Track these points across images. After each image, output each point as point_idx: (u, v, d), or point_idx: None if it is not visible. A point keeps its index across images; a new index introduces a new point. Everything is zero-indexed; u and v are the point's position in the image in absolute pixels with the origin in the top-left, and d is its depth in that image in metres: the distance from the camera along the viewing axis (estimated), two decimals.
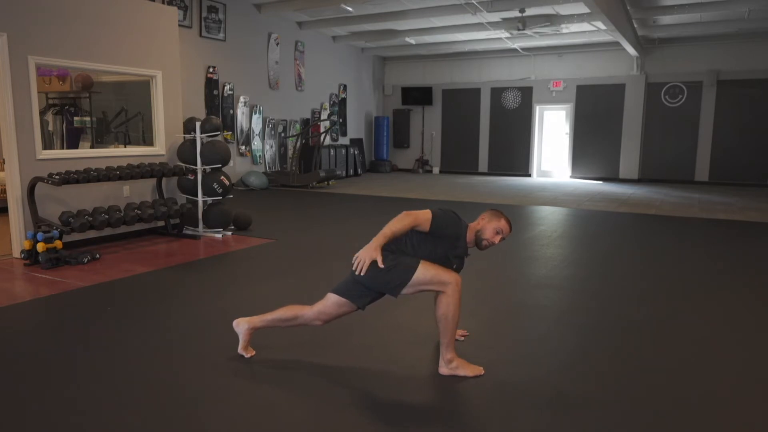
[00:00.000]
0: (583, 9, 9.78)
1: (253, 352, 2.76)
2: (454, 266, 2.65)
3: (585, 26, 11.22)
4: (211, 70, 10.20)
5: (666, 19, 10.80)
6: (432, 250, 2.58)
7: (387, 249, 2.54)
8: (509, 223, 2.70)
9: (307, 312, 2.68)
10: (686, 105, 12.62)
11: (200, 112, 9.90)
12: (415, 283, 2.49)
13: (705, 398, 2.43)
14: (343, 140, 14.33)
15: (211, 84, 10.23)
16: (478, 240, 2.65)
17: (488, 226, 2.65)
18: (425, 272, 2.49)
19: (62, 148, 6.34)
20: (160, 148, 6.02)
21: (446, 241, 2.60)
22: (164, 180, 6.00)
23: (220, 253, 5.22)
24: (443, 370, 2.60)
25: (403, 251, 2.57)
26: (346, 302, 2.63)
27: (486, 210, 2.74)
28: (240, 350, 2.75)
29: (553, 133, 14.16)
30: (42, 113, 5.75)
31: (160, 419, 2.19)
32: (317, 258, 5.04)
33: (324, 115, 13.45)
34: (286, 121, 12.24)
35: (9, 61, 4.65)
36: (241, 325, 2.75)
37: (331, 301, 2.65)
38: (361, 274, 2.46)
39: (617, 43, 11.90)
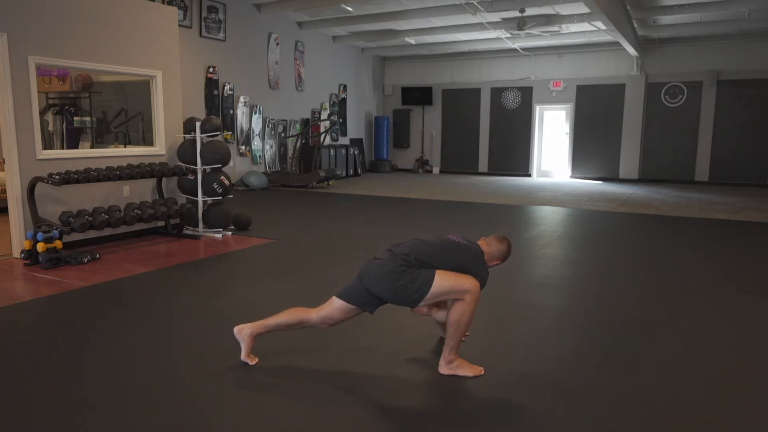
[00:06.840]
0: (583, 9, 9.79)
1: (257, 360, 2.70)
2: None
3: (585, 26, 11.22)
4: (211, 70, 10.20)
5: (666, 19, 10.80)
6: (459, 260, 2.60)
7: (404, 264, 2.49)
8: (509, 246, 2.80)
9: (313, 317, 2.64)
10: (686, 105, 12.62)
11: (200, 112, 9.90)
12: (434, 295, 2.48)
13: (705, 397, 2.43)
14: (343, 140, 14.33)
15: (211, 84, 10.23)
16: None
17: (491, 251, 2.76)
18: (443, 283, 2.47)
19: (62, 148, 6.33)
20: (160, 148, 6.02)
21: None
22: (164, 180, 6.00)
23: (220, 253, 5.22)
24: (443, 369, 2.60)
25: (424, 261, 2.52)
26: (354, 308, 2.60)
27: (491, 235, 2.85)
28: (243, 357, 2.68)
29: (553, 133, 14.17)
30: (42, 113, 5.74)
31: (161, 419, 2.19)
32: (317, 258, 5.04)
33: (324, 115, 13.45)
34: (286, 121, 12.24)
35: (9, 61, 4.65)
36: (244, 332, 2.67)
37: (337, 308, 2.61)
38: None
39: (617, 43, 11.91)
